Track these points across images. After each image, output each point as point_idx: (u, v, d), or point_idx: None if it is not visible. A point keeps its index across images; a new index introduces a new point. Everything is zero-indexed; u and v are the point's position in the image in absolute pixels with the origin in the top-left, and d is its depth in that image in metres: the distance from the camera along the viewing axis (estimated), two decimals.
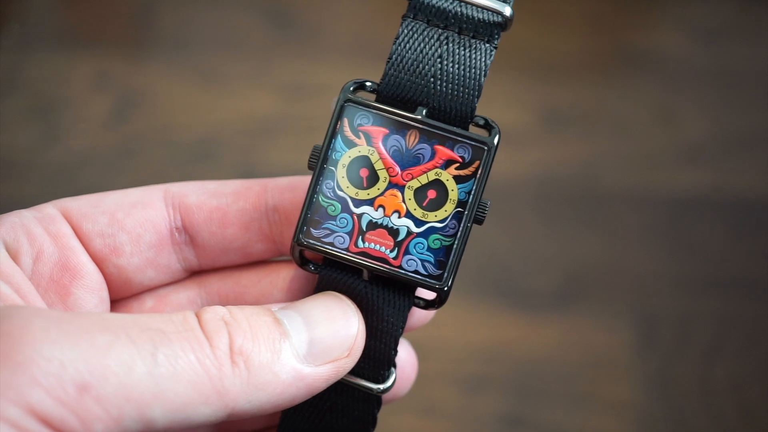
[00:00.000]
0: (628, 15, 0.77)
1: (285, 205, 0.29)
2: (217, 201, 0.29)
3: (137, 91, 0.69)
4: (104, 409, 0.21)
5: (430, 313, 0.29)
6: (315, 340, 0.25)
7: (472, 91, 0.26)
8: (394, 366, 0.27)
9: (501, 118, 0.70)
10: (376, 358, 0.26)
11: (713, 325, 0.58)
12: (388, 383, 0.27)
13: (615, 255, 0.61)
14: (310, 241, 0.26)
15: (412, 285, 0.26)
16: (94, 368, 0.21)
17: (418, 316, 0.29)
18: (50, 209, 0.28)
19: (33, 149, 0.65)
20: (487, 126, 0.26)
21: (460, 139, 0.26)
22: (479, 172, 0.26)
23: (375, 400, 0.27)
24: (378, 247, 0.26)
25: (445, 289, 0.25)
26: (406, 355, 0.29)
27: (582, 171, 0.65)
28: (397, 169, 0.26)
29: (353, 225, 0.26)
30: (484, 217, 0.26)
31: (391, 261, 0.26)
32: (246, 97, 0.69)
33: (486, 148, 0.26)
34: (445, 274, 0.25)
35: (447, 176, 0.26)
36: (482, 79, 0.26)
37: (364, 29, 0.73)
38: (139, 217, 0.28)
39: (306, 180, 0.28)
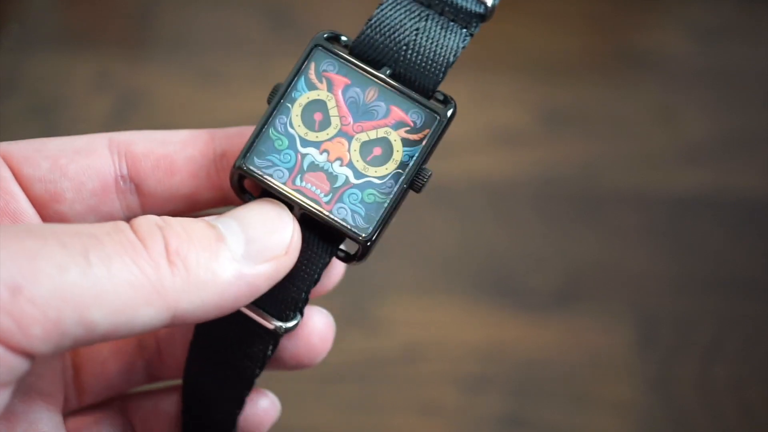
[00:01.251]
0: (628, 15, 0.77)
1: (233, 150, 0.28)
2: (165, 149, 0.29)
3: (137, 91, 0.69)
4: (41, 310, 0.20)
5: (339, 273, 0.30)
6: (251, 240, 0.25)
7: (438, 67, 0.27)
8: (301, 312, 0.27)
9: (501, 117, 0.71)
10: (284, 298, 0.26)
11: (713, 325, 0.58)
12: (290, 324, 0.26)
13: (615, 255, 0.61)
14: (251, 168, 0.26)
15: (337, 232, 0.26)
16: (26, 270, 0.21)
17: (334, 272, 0.29)
18: None
19: None
20: (446, 101, 0.27)
21: (415, 103, 0.26)
22: (426, 140, 0.26)
23: (272, 338, 0.27)
24: (314, 188, 0.26)
25: (368, 243, 0.26)
26: (322, 324, 0.29)
27: (582, 171, 0.65)
28: (350, 119, 0.27)
29: (295, 162, 0.26)
30: (422, 185, 0.26)
31: (323, 204, 0.26)
32: (246, 97, 0.69)
33: (438, 117, 0.26)
34: (371, 228, 0.26)
35: (396, 137, 0.26)
36: (451, 59, 0.27)
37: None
38: (83, 164, 0.28)
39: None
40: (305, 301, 0.27)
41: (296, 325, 0.26)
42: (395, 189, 0.26)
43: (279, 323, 0.26)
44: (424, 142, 0.26)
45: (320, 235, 0.26)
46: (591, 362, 0.56)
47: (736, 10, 0.76)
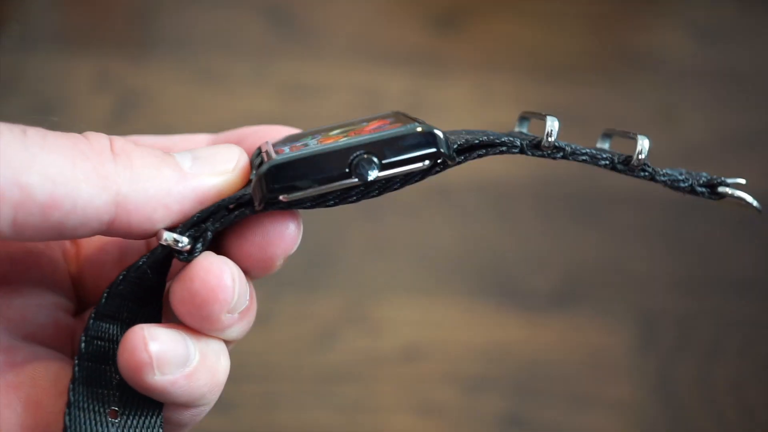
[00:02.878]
0: (629, 15, 0.77)
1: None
2: (166, 142, 0.30)
3: (137, 91, 0.69)
4: None
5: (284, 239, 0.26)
6: (198, 156, 0.25)
7: (473, 136, 0.26)
8: (194, 238, 0.25)
9: (501, 117, 0.71)
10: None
11: (713, 325, 0.58)
12: (175, 237, 0.24)
13: (615, 255, 0.61)
14: (270, 144, 0.27)
15: (264, 158, 0.25)
16: None
17: (282, 236, 0.26)
18: None
19: None
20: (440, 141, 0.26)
21: (414, 122, 0.26)
22: (386, 127, 0.26)
23: (159, 246, 0.25)
24: (287, 149, 0.26)
25: (273, 167, 0.24)
26: (211, 268, 0.24)
27: (582, 171, 0.65)
28: (363, 131, 0.27)
29: (297, 143, 0.27)
30: (351, 164, 0.24)
31: (279, 153, 0.25)
32: (246, 97, 0.69)
33: (411, 124, 0.25)
34: (279, 157, 0.24)
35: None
36: (484, 138, 0.26)
37: (364, 29, 0.73)
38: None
39: (258, 130, 0.29)
40: (200, 228, 0.24)
41: (177, 244, 0.24)
42: (325, 146, 0.25)
43: (170, 233, 0.24)
44: (381, 129, 0.25)
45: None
46: (591, 362, 0.57)
47: (736, 10, 0.76)
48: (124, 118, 0.67)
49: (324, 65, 0.71)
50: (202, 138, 0.30)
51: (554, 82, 0.71)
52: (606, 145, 0.30)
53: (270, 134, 0.29)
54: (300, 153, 0.24)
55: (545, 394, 0.55)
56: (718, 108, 0.70)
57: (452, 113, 0.69)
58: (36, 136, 0.22)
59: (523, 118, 0.30)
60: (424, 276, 0.60)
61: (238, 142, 0.29)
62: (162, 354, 0.23)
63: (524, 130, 0.30)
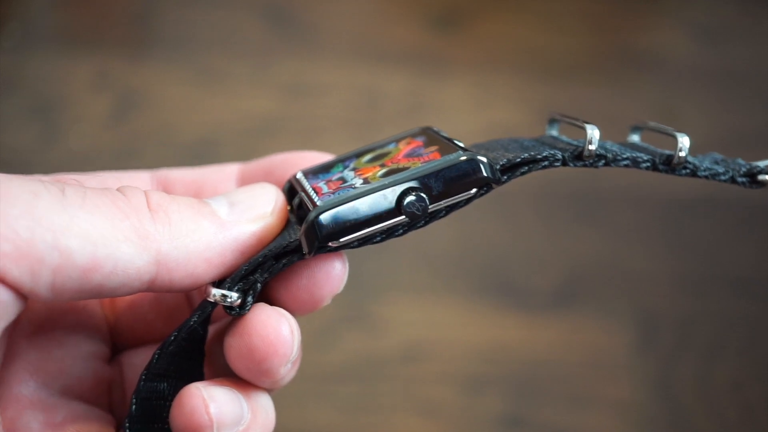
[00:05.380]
0: (629, 15, 0.77)
1: (256, 178, 0.29)
2: (196, 175, 0.29)
3: (137, 91, 0.69)
4: (11, 228, 0.20)
5: (332, 282, 0.26)
6: (234, 203, 0.25)
7: (505, 156, 0.25)
8: (244, 292, 0.24)
9: (501, 117, 0.71)
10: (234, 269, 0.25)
11: (713, 325, 0.58)
12: (217, 292, 0.24)
13: (615, 254, 0.61)
14: (300, 177, 0.27)
15: (307, 205, 0.25)
16: None
17: (324, 278, 0.26)
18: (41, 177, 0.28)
19: (33, 149, 0.65)
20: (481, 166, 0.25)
21: (456, 149, 0.25)
22: (430, 161, 0.25)
23: (208, 303, 0.24)
24: (324, 186, 0.26)
25: (318, 214, 0.24)
26: (269, 323, 0.24)
27: (582, 171, 0.65)
28: (399, 157, 0.26)
29: (331, 176, 0.26)
30: (402, 202, 0.24)
31: (320, 195, 0.25)
32: (246, 97, 0.69)
33: (457, 151, 0.25)
34: (326, 206, 0.24)
35: (418, 165, 0.25)
36: (527, 155, 0.25)
37: (364, 29, 0.73)
38: (125, 182, 0.28)
39: (286, 158, 0.29)
40: (248, 280, 0.24)
41: (226, 299, 0.24)
42: (372, 186, 0.24)
43: (217, 289, 0.24)
44: (425, 163, 0.24)
45: (299, 226, 0.25)
46: (591, 362, 0.56)
47: (736, 11, 0.76)
48: (123, 118, 0.67)
49: (324, 65, 0.71)
50: (232, 169, 0.29)
51: (554, 82, 0.71)
52: (636, 138, 0.29)
53: (299, 162, 0.29)
54: (346, 197, 0.24)
55: (545, 394, 0.55)
56: (718, 108, 0.70)
57: (452, 113, 0.69)
58: (74, 195, 0.22)
59: (553, 120, 0.29)
60: (425, 276, 0.60)
61: (267, 173, 0.29)
62: (221, 416, 0.23)
63: (554, 133, 0.29)
